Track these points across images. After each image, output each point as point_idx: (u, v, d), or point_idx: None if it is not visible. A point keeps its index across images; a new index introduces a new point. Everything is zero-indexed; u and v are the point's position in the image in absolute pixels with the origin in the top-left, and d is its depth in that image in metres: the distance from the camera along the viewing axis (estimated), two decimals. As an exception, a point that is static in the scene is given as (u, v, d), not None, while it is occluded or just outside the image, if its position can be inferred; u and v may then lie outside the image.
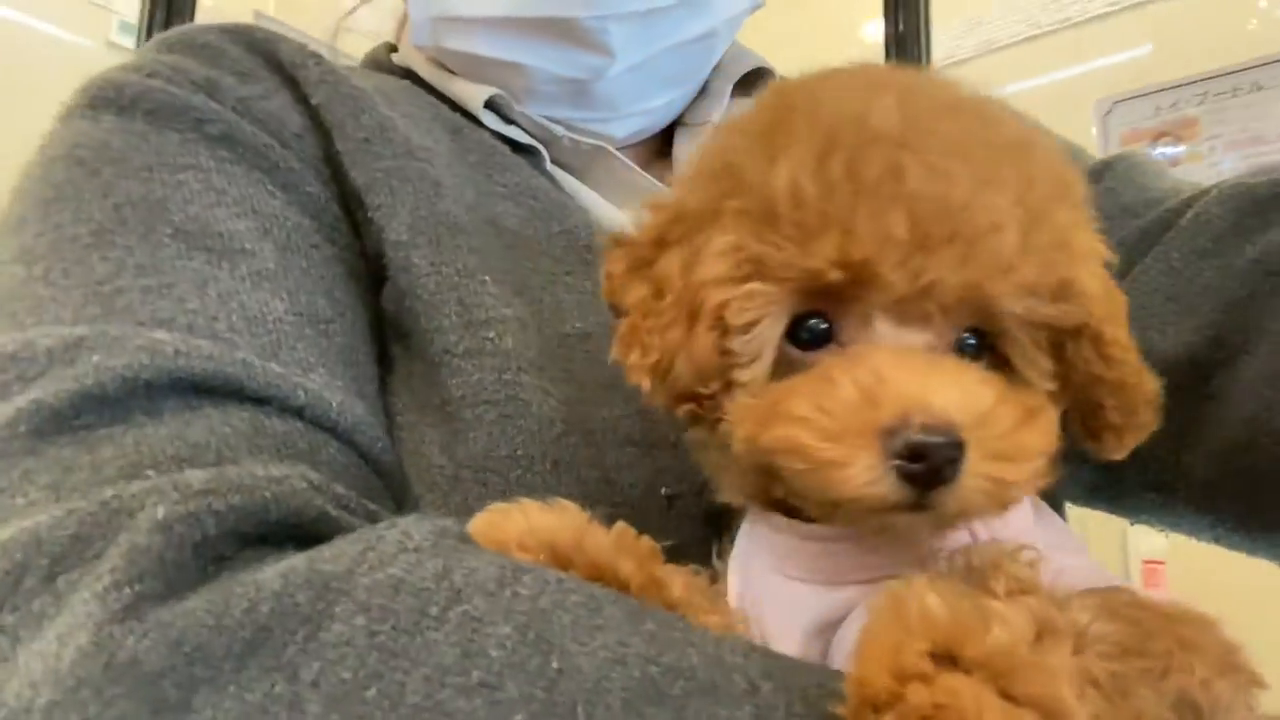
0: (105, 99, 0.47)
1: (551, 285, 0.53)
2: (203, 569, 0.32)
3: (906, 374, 0.31)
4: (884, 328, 0.34)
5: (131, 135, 0.45)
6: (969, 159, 0.34)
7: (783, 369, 0.35)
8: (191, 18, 1.61)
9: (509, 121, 0.61)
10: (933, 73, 0.41)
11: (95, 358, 0.36)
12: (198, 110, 0.47)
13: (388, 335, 0.50)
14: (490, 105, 0.60)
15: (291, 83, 0.52)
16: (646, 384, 0.35)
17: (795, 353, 0.35)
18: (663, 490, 0.47)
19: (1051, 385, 0.36)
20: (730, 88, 0.68)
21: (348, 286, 0.49)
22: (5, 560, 0.31)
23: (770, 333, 0.34)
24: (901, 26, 1.89)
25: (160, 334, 0.38)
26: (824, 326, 0.35)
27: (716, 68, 0.68)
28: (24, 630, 0.30)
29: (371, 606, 0.30)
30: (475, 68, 0.61)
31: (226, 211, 0.44)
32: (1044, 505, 0.41)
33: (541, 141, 0.62)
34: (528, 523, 0.36)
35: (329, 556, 0.32)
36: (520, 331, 0.49)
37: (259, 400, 0.39)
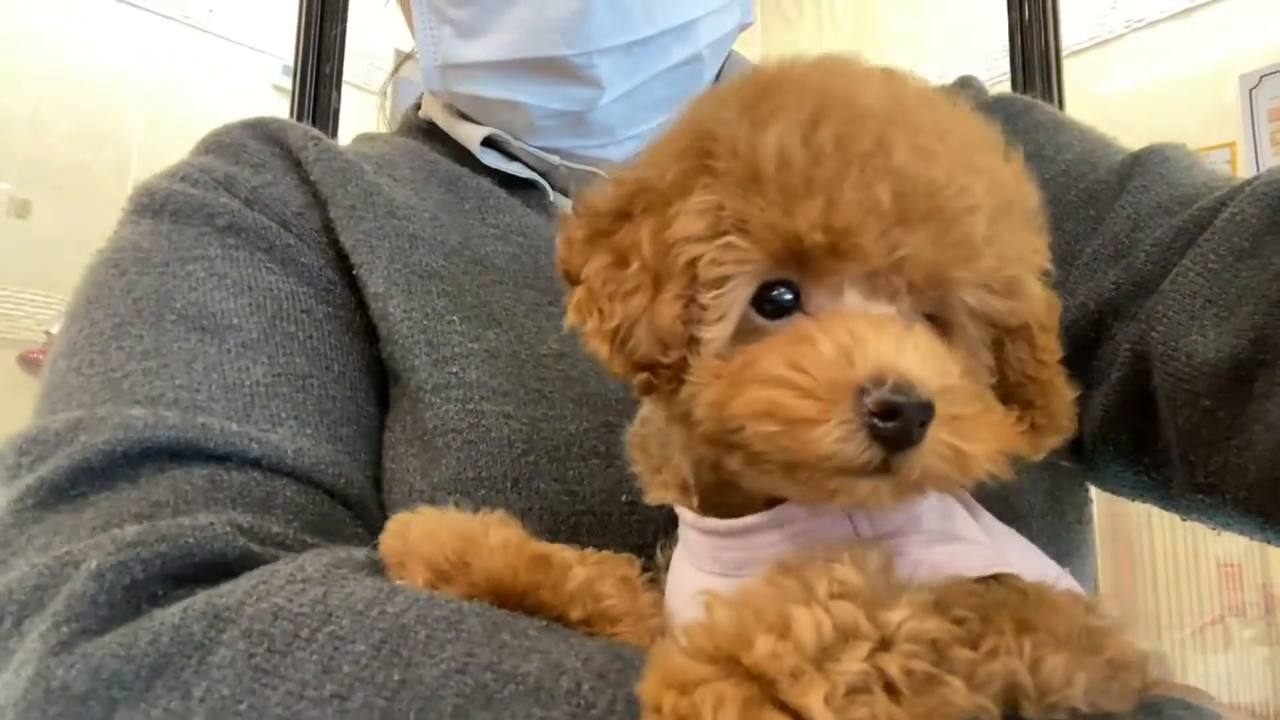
0: (143, 205, 0.56)
1: (534, 313, 0.58)
2: (135, 608, 0.38)
3: (882, 337, 0.32)
4: (853, 298, 0.34)
5: (158, 236, 0.54)
6: (949, 143, 0.35)
7: (744, 336, 0.35)
8: (339, 58, 1.76)
9: (512, 158, 0.67)
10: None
11: (83, 437, 0.44)
12: (210, 206, 0.55)
13: (388, 378, 0.57)
14: (490, 143, 0.67)
15: (296, 164, 0.61)
16: (604, 350, 0.35)
17: (758, 320, 0.35)
18: (623, 498, 0.50)
19: (990, 380, 0.37)
20: None
21: (341, 341, 0.56)
22: None
23: (739, 293, 0.34)
24: (1027, 14, 1.85)
25: (136, 411, 0.45)
26: (788, 297, 0.35)
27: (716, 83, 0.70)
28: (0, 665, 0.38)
29: (253, 632, 0.35)
30: (483, 109, 0.68)
31: (224, 293, 0.52)
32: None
33: (543, 173, 0.68)
34: (419, 536, 0.40)
35: (225, 591, 0.37)
36: (488, 362, 0.54)
37: (218, 458, 0.46)
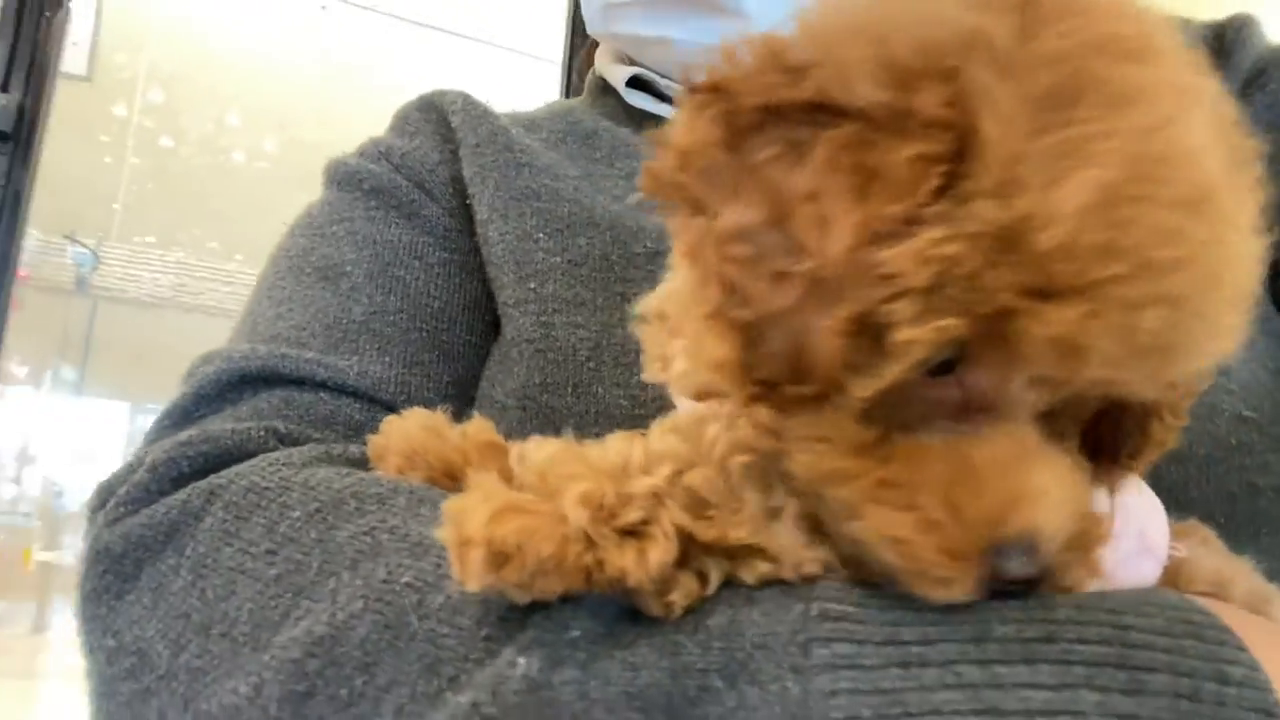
0: (326, 177, 0.65)
1: (636, 212, 0.59)
2: (176, 492, 0.45)
3: (1042, 492, 0.28)
4: (1018, 387, 0.29)
5: (324, 203, 0.63)
6: (1243, 254, 0.27)
7: (892, 389, 0.28)
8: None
9: (661, 99, 0.68)
10: None
11: (206, 368, 0.52)
12: (362, 173, 0.63)
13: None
14: (638, 84, 0.68)
15: (444, 124, 0.66)
16: (712, 337, 0.28)
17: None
18: None
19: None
20: None
21: (449, 280, 0.61)
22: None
23: (918, 359, 0.27)
24: None
25: (244, 346, 0.54)
26: (954, 357, 0.29)
27: None
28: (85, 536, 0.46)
29: (230, 503, 0.42)
30: (640, 49, 0.68)
31: (351, 247, 0.60)
32: None
33: None
34: (396, 432, 0.44)
35: (225, 473, 0.44)
36: (568, 273, 0.57)
37: (295, 381, 0.53)
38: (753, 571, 0.30)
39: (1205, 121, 0.27)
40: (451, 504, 0.29)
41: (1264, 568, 0.45)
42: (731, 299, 0.27)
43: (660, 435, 0.31)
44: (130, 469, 0.47)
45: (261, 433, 0.48)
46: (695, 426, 0.31)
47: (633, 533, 0.28)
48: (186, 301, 2.67)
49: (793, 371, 0.28)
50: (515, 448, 0.38)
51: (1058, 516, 0.28)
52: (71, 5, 2.11)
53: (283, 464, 0.44)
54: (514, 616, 0.31)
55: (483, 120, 0.65)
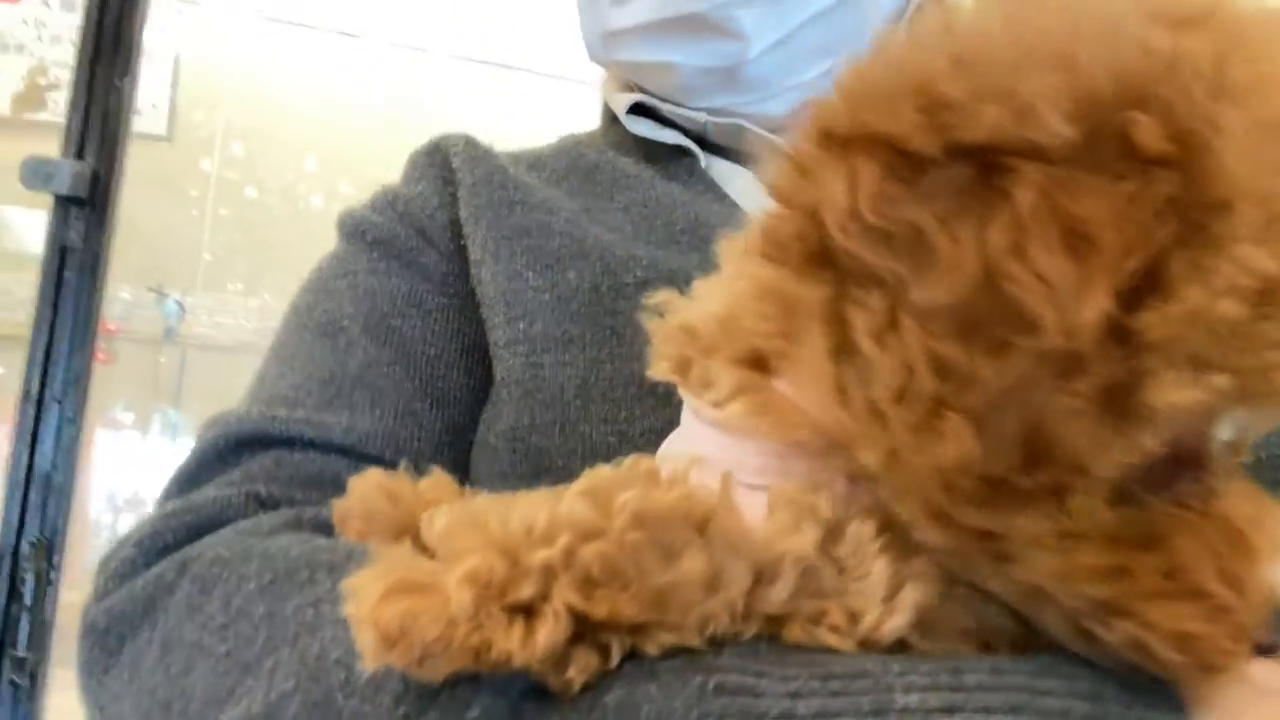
0: (340, 229, 0.67)
1: (629, 242, 0.59)
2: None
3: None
4: (1225, 435, 0.26)
5: (333, 256, 0.65)
6: None
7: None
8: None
9: (664, 125, 0.68)
10: None
11: (208, 433, 0.55)
12: (367, 224, 0.65)
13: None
14: (642, 111, 0.68)
15: (446, 167, 0.67)
16: (947, 437, 0.23)
17: None
18: None
19: None
20: None
21: (447, 326, 0.62)
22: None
23: (1173, 428, 0.24)
24: None
25: (242, 409, 0.55)
26: None
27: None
28: None
29: (197, 576, 0.43)
30: (642, 75, 0.68)
31: (350, 300, 0.61)
32: None
33: (699, 139, 0.68)
34: (356, 494, 0.44)
35: (198, 544, 0.45)
36: (557, 309, 0.57)
37: (284, 443, 0.54)
38: (655, 642, 0.29)
39: None
40: (354, 579, 0.29)
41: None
42: (950, 383, 0.23)
43: (571, 498, 0.30)
44: (123, 543, 0.48)
45: (242, 498, 0.49)
46: (608, 490, 0.29)
47: (526, 609, 0.27)
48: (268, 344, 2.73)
49: (1027, 460, 0.23)
50: (430, 511, 0.37)
51: None
52: (149, 70, 2.23)
53: (249, 533, 0.45)
54: (428, 693, 0.31)
55: (481, 161, 0.66)
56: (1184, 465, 0.26)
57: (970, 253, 0.22)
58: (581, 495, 0.30)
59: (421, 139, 0.71)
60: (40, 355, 1.27)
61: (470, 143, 0.68)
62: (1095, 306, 0.21)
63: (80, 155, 1.34)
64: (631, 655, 0.29)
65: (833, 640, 0.29)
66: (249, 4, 2.48)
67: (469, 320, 0.62)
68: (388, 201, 0.66)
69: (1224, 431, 0.26)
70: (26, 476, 1.25)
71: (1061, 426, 0.22)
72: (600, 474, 0.32)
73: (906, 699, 0.26)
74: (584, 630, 0.28)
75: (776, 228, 0.26)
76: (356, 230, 0.65)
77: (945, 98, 0.23)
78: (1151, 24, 0.22)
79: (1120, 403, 0.22)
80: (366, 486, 0.44)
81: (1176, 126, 0.22)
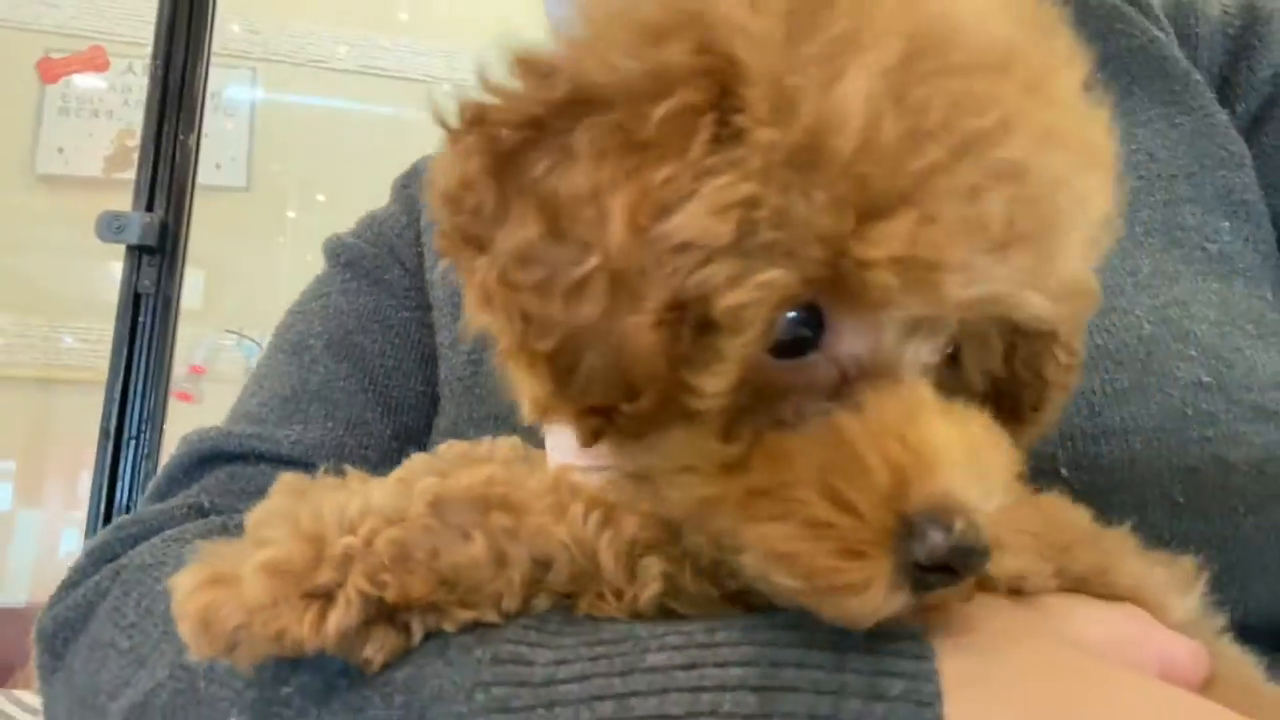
0: (324, 254, 0.69)
1: None
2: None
3: (943, 446, 0.24)
4: (892, 338, 0.26)
5: (317, 280, 0.68)
6: (1074, 114, 0.25)
7: (750, 382, 0.26)
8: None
9: None
10: None
11: (176, 451, 0.58)
12: (341, 246, 0.68)
13: None
14: None
15: (418, 185, 0.69)
16: (529, 378, 0.26)
17: (768, 360, 0.26)
18: None
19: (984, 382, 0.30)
20: None
21: (407, 337, 0.64)
22: None
23: (756, 330, 0.24)
24: None
25: (208, 427, 0.58)
26: (809, 333, 0.26)
27: None
28: None
29: (123, 581, 0.45)
30: None
31: (320, 320, 0.64)
32: None
33: None
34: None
35: (130, 553, 0.48)
36: None
37: (239, 457, 0.57)
38: (453, 620, 0.30)
39: None
40: (176, 575, 0.30)
41: (1244, 550, 0.41)
42: (531, 328, 0.25)
43: (387, 485, 0.31)
44: (82, 554, 0.51)
45: (184, 510, 0.52)
46: (415, 476, 0.31)
47: (326, 595, 0.28)
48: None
49: (623, 388, 0.25)
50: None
51: (974, 474, 0.24)
52: (228, 124, 2.36)
53: (173, 540, 0.48)
54: (264, 674, 0.32)
55: None
56: (852, 379, 0.26)
57: (542, 203, 0.24)
58: (395, 482, 0.31)
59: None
60: (116, 394, 1.35)
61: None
62: (619, 222, 0.23)
63: (150, 207, 1.43)
64: (437, 633, 0.30)
65: (611, 610, 0.30)
66: (324, 55, 2.60)
67: (429, 330, 0.64)
68: (367, 224, 0.70)
69: (909, 347, 0.26)
70: (106, 509, 1.34)
71: (640, 348, 0.23)
72: (416, 460, 0.34)
73: (656, 658, 0.27)
74: (382, 612, 0.29)
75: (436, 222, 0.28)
76: (334, 253, 0.68)
77: (539, 67, 0.26)
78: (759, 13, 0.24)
79: (696, 319, 0.24)
80: (281, 490, 0.46)
81: (706, 38, 0.23)
